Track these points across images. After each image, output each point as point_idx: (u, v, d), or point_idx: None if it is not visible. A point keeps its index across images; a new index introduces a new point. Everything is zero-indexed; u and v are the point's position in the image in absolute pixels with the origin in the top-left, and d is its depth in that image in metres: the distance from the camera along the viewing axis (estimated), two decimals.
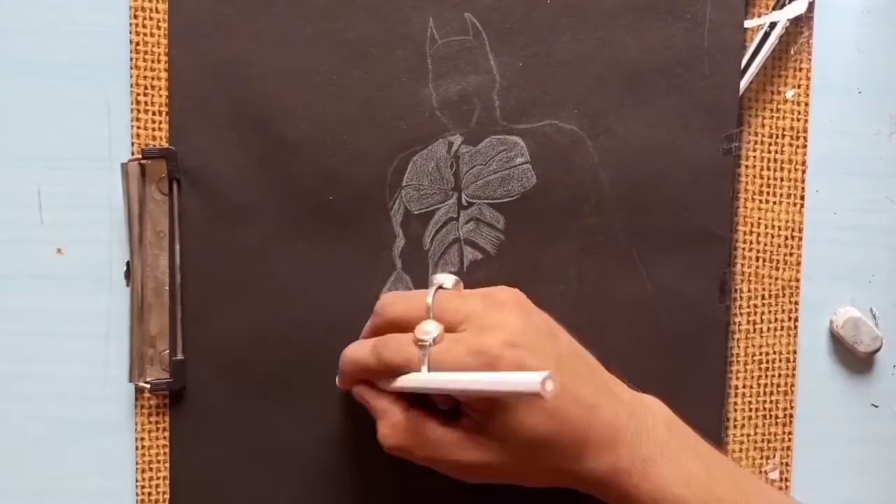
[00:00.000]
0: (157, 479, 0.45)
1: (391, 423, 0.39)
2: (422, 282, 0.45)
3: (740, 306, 0.46)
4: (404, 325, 0.39)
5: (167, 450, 0.45)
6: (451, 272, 0.45)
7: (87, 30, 0.44)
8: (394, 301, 0.41)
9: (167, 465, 0.45)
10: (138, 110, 0.44)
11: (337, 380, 0.43)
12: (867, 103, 0.47)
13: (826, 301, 0.47)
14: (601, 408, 0.38)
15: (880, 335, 0.46)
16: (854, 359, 0.47)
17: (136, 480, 0.45)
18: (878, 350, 0.47)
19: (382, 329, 0.41)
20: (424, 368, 0.37)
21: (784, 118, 0.46)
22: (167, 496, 0.45)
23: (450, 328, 0.38)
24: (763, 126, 0.46)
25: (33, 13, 0.44)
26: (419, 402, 0.40)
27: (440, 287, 0.40)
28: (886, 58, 0.47)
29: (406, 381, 0.38)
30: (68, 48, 0.44)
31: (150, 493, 0.45)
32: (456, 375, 0.36)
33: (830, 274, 0.47)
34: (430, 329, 0.38)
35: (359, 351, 0.41)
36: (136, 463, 0.45)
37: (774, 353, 0.46)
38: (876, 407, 0.48)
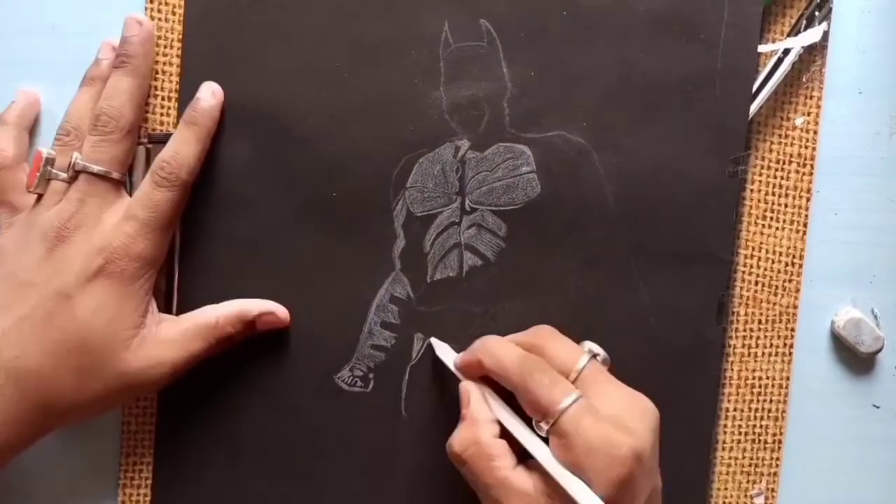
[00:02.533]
0: (141, 464, 0.45)
1: (474, 437, 0.39)
2: (419, 285, 0.45)
3: (736, 329, 0.46)
4: (550, 361, 0.39)
5: (152, 436, 0.45)
6: (449, 275, 0.45)
7: (101, 17, 0.44)
8: (554, 337, 0.41)
9: (151, 451, 0.45)
10: (149, 94, 0.44)
11: (455, 359, 0.42)
12: (867, 103, 0.47)
13: (827, 301, 0.47)
14: None
15: (882, 335, 0.46)
16: (855, 359, 0.47)
17: (120, 464, 0.44)
18: (879, 350, 0.46)
19: (529, 349, 0.40)
20: (546, 424, 0.38)
21: (792, 144, 0.46)
22: (149, 481, 0.45)
23: (584, 395, 0.38)
24: (770, 151, 0.46)
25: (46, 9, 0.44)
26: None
27: (595, 355, 0.40)
28: (886, 58, 0.47)
29: (535, 448, 0.38)
30: (86, 32, 0.44)
31: (132, 478, 0.45)
32: (574, 485, 0.36)
33: (831, 274, 0.47)
34: (570, 394, 0.38)
35: (509, 354, 0.40)
36: (121, 447, 0.44)
37: (768, 378, 0.46)
38: (877, 408, 0.47)
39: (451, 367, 0.43)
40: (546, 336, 0.41)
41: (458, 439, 0.39)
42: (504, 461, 0.38)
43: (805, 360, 0.47)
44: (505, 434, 0.40)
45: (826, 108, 0.46)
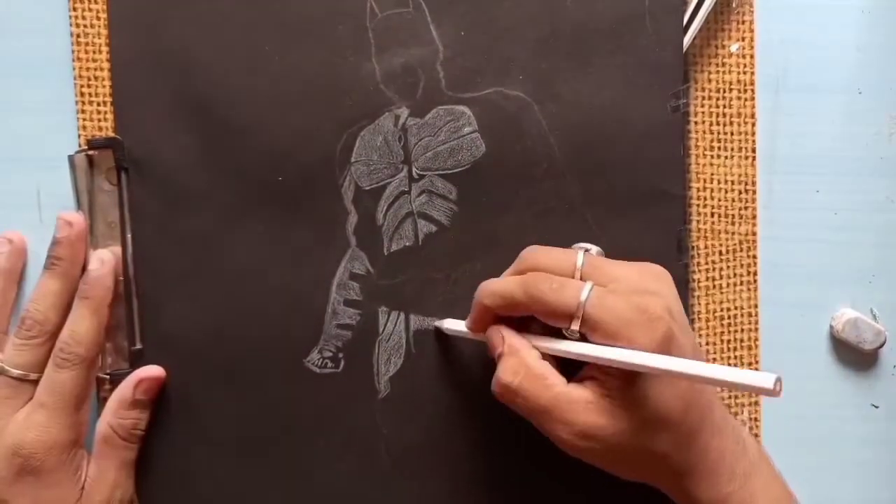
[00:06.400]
0: None
1: (521, 362, 0.38)
2: (377, 258, 0.45)
3: (698, 263, 0.46)
4: (549, 271, 0.39)
5: None
6: (406, 245, 0.45)
7: (27, 27, 0.44)
8: (540, 252, 0.40)
9: None
10: (83, 101, 0.44)
11: (466, 323, 0.41)
12: (867, 103, 0.47)
13: (826, 301, 0.47)
14: (715, 408, 0.39)
15: (883, 329, 0.46)
16: (854, 359, 0.47)
17: None
18: (883, 344, 0.46)
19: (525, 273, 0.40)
20: (576, 324, 0.37)
21: (730, 72, 0.46)
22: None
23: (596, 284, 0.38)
24: (709, 81, 0.46)
25: None
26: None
27: (586, 251, 0.40)
28: (886, 58, 0.47)
29: (560, 347, 0.38)
30: (9, 48, 0.44)
31: None
32: (670, 360, 0.34)
33: (830, 274, 0.47)
34: (583, 286, 0.37)
35: (504, 284, 0.39)
36: None
37: (736, 308, 0.46)
38: (876, 407, 0.47)
39: (469, 334, 0.42)
40: (534, 254, 0.40)
41: (505, 369, 0.38)
42: (556, 378, 0.38)
43: (804, 360, 0.47)
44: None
45: (826, 107, 0.47)
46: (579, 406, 0.37)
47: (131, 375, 0.43)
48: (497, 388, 0.39)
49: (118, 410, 0.42)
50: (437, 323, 0.45)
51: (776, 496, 0.39)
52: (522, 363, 0.38)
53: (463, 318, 0.42)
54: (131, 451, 0.43)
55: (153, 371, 0.43)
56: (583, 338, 0.37)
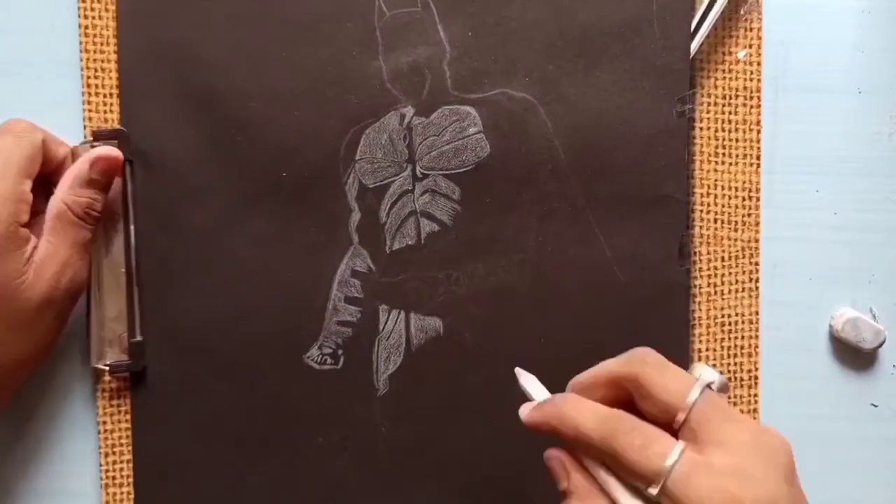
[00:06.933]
0: (121, 462, 0.45)
1: None
2: (379, 256, 0.45)
3: (700, 269, 0.46)
4: (650, 400, 0.33)
5: (129, 433, 0.45)
6: (408, 244, 0.45)
7: (36, 18, 0.44)
8: (656, 365, 0.34)
9: (130, 447, 0.45)
10: (89, 93, 0.44)
11: (526, 411, 0.35)
12: (867, 103, 0.47)
13: (826, 301, 0.47)
14: None
15: (882, 328, 0.46)
16: (853, 359, 0.47)
17: (100, 465, 0.45)
18: (882, 344, 0.46)
19: (621, 382, 0.34)
20: (654, 489, 0.31)
21: (736, 78, 0.46)
22: (131, 479, 0.45)
23: (695, 441, 0.32)
24: (716, 87, 0.46)
25: None
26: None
27: (708, 386, 0.33)
28: (886, 58, 0.47)
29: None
30: (18, 38, 0.44)
31: (113, 477, 0.45)
32: None
33: (830, 274, 0.47)
34: (672, 449, 0.32)
35: (585, 417, 0.33)
36: (99, 447, 0.45)
37: (737, 314, 0.46)
38: (875, 407, 0.47)
39: (521, 410, 0.36)
40: (646, 365, 0.34)
41: None
42: None
43: (804, 360, 0.47)
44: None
45: (826, 108, 0.46)
46: None
47: (88, 153, 0.42)
48: None
49: (73, 188, 0.41)
50: (519, 373, 0.38)
51: None
52: None
53: None
54: (86, 231, 0.42)
55: (111, 151, 0.42)
56: None
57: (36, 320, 0.41)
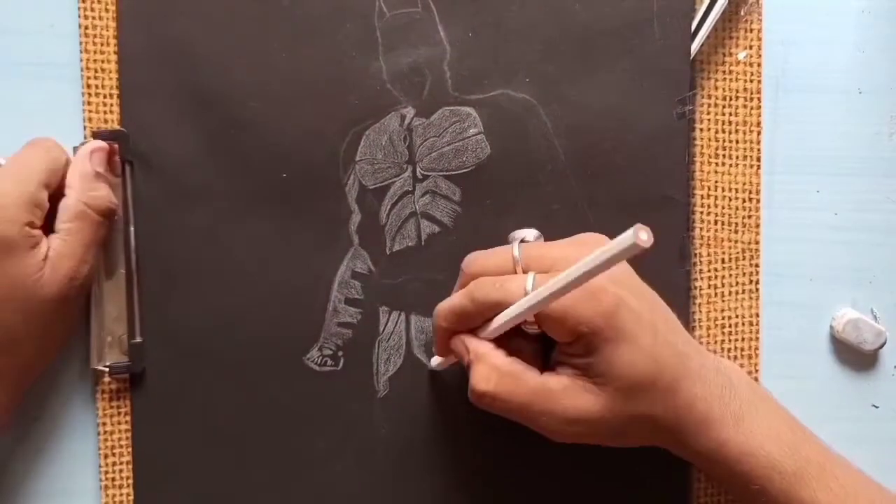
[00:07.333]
0: (121, 463, 0.45)
1: (490, 366, 0.38)
2: (379, 258, 0.45)
3: (700, 271, 0.46)
4: (492, 281, 0.39)
5: (129, 434, 0.44)
6: (408, 245, 0.45)
7: (35, 18, 0.44)
8: (478, 257, 0.40)
9: (130, 449, 0.44)
10: (89, 94, 0.44)
11: (434, 351, 0.43)
12: (867, 103, 0.47)
13: (826, 301, 0.47)
14: (691, 358, 0.38)
15: (883, 330, 0.46)
16: (854, 360, 0.47)
17: (100, 466, 0.44)
18: (883, 345, 0.46)
19: (470, 301, 0.39)
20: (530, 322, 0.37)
21: (737, 80, 0.46)
22: (131, 480, 0.44)
23: (538, 272, 0.38)
24: (716, 88, 0.46)
25: None
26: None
27: (522, 241, 0.40)
28: (886, 58, 0.47)
29: (507, 314, 0.37)
30: (17, 39, 0.44)
31: (113, 479, 0.44)
32: (557, 278, 0.34)
33: (830, 274, 0.47)
34: (526, 278, 0.37)
35: (452, 301, 0.40)
36: (99, 448, 0.44)
37: (737, 316, 0.46)
38: (877, 408, 0.47)
39: (445, 363, 0.43)
40: (474, 260, 0.40)
41: (477, 377, 0.38)
42: (528, 373, 0.38)
43: (805, 361, 0.47)
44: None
45: (826, 108, 0.47)
46: (557, 394, 0.37)
47: (81, 150, 0.42)
48: (473, 397, 0.39)
49: (85, 185, 0.42)
50: (430, 364, 0.45)
51: (777, 429, 0.39)
52: (492, 367, 0.38)
53: None
54: (104, 229, 0.42)
55: (100, 143, 0.43)
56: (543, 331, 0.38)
57: (52, 316, 0.41)
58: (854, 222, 0.47)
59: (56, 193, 0.42)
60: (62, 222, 0.41)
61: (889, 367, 0.47)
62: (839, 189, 0.47)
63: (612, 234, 0.44)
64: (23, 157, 0.41)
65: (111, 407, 0.45)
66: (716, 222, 0.46)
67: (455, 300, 0.40)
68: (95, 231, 0.42)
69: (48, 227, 0.41)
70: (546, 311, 0.36)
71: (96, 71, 0.44)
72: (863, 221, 0.47)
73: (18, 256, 0.39)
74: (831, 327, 0.47)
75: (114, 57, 0.44)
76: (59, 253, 0.41)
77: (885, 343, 0.46)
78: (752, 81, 0.46)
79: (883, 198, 0.47)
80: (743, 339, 0.46)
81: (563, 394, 0.37)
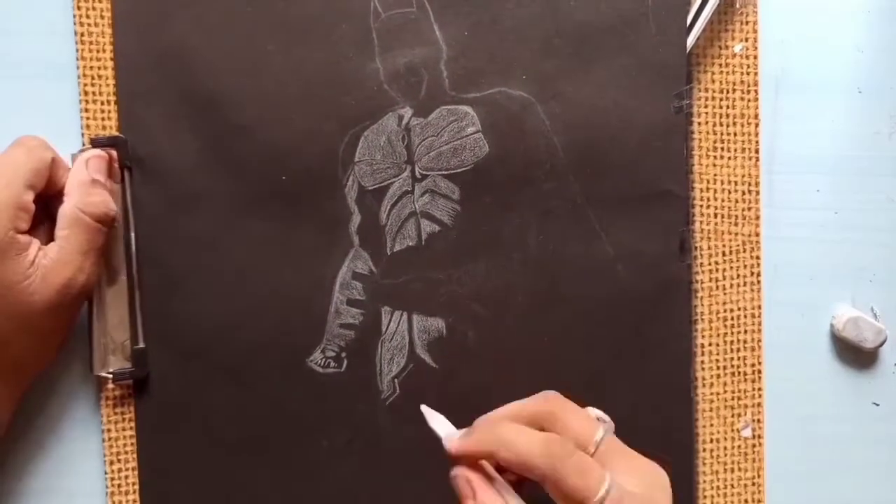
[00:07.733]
0: (126, 469, 0.45)
1: None
2: (380, 258, 0.45)
3: (701, 264, 0.46)
4: (564, 434, 0.37)
5: (134, 440, 0.44)
6: (409, 245, 0.45)
7: (31, 25, 0.44)
8: (568, 409, 0.38)
9: (135, 455, 0.44)
10: (86, 100, 0.44)
11: (456, 441, 0.38)
12: (867, 103, 0.47)
13: (827, 301, 0.47)
14: None
15: (883, 328, 0.46)
16: (854, 358, 0.47)
17: (105, 473, 0.44)
18: (883, 343, 0.46)
19: (541, 422, 0.38)
20: None
21: (733, 72, 0.46)
22: (136, 486, 0.44)
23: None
24: (713, 82, 0.46)
25: None
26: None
27: (598, 418, 0.39)
28: (886, 58, 0.47)
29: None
30: (13, 46, 0.44)
31: (119, 485, 0.44)
32: None
33: (831, 274, 0.47)
34: (605, 478, 0.35)
35: (529, 442, 0.36)
36: (104, 455, 0.44)
37: (739, 309, 0.46)
38: (877, 406, 0.47)
39: (445, 444, 0.38)
40: (558, 405, 0.38)
41: None
42: None
43: (805, 359, 0.47)
44: None
45: (826, 108, 0.47)
46: None
47: (79, 158, 0.42)
48: None
49: (81, 192, 0.41)
50: (425, 410, 0.41)
51: None
52: None
53: None
54: (102, 236, 0.42)
55: (97, 151, 0.43)
56: None
57: (44, 322, 0.41)
58: (854, 221, 0.47)
59: (54, 199, 0.42)
60: (59, 230, 0.41)
61: (889, 365, 0.47)
62: (839, 188, 0.47)
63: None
64: (4, 160, 0.41)
65: (115, 413, 0.45)
66: (716, 215, 0.46)
67: (529, 451, 0.36)
68: (93, 238, 0.42)
69: (48, 234, 0.41)
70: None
71: (93, 77, 0.44)
72: (863, 220, 0.47)
73: (3, 262, 0.39)
74: (831, 326, 0.47)
75: (110, 63, 0.44)
76: (55, 260, 0.40)
77: (885, 341, 0.46)
78: (748, 74, 0.46)
79: (883, 197, 0.47)
80: (746, 332, 0.46)
81: None
